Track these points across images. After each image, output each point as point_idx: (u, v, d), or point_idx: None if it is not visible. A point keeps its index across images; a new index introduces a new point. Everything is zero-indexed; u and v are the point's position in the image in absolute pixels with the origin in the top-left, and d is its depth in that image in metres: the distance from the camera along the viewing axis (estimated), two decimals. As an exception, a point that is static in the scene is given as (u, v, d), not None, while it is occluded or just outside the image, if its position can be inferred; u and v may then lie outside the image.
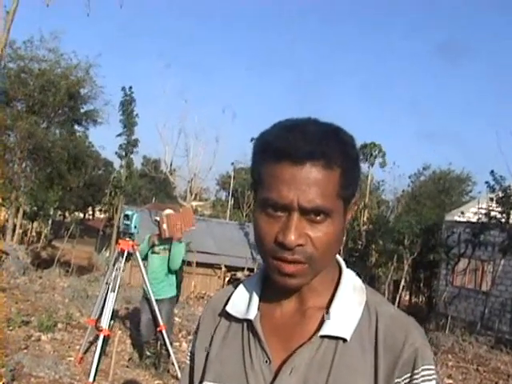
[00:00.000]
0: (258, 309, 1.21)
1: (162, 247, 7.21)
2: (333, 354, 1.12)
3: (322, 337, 1.13)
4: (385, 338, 1.13)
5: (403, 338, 1.13)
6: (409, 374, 1.11)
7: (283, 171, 1.06)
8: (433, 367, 1.13)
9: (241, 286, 1.28)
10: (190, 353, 1.34)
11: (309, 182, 1.05)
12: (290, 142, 1.06)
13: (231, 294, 1.28)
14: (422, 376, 1.11)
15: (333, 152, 1.06)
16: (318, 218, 1.07)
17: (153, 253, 7.21)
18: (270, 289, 1.22)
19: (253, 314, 1.19)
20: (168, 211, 7.45)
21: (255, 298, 1.23)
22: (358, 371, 1.11)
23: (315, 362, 1.12)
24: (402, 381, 1.11)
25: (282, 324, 1.19)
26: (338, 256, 1.22)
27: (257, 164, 1.13)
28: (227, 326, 1.25)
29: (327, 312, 1.16)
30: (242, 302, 1.24)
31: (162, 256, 7.19)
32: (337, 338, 1.13)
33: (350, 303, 1.17)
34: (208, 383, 1.21)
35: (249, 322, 1.20)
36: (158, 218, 7.24)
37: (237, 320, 1.23)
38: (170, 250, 7.11)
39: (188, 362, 1.35)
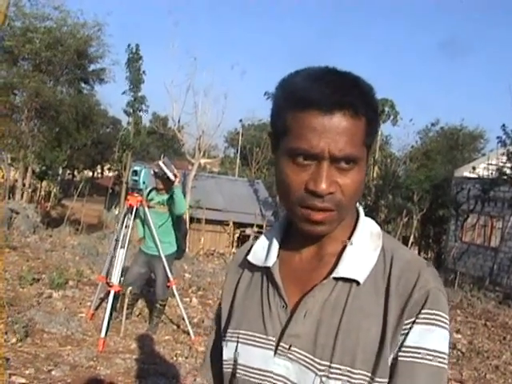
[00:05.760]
0: (278, 256, 1.23)
1: (159, 200, 6.96)
2: (346, 296, 1.14)
3: (336, 279, 1.15)
4: (398, 281, 1.13)
5: (415, 279, 1.12)
6: (413, 319, 1.09)
7: (313, 120, 1.07)
8: (443, 314, 1.11)
9: (262, 236, 1.33)
10: (219, 305, 1.39)
11: (339, 131, 1.06)
12: (318, 92, 1.06)
13: (253, 245, 1.32)
14: (427, 318, 1.09)
15: (359, 101, 1.08)
16: (347, 165, 1.09)
17: (148, 207, 6.82)
18: (291, 237, 1.25)
19: (271, 262, 1.23)
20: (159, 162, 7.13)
21: (275, 246, 1.26)
22: (370, 314, 1.12)
23: (329, 304, 1.14)
24: (409, 322, 1.10)
25: (299, 270, 1.22)
26: (357, 204, 1.24)
27: (281, 113, 1.13)
28: (250, 276, 1.30)
29: (341, 255, 1.17)
30: (262, 251, 1.28)
31: (161, 212, 6.94)
32: (351, 281, 1.15)
33: (365, 248, 1.19)
34: (231, 330, 1.26)
35: (267, 269, 1.22)
36: (161, 166, 6.81)
37: (258, 269, 1.27)
38: (168, 203, 6.88)
39: (218, 313, 1.40)
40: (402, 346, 1.10)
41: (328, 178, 1.07)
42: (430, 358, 1.08)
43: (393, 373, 1.10)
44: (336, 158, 1.07)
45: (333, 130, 1.06)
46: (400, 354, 1.09)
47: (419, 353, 1.08)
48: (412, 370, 1.08)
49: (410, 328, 1.09)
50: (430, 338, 1.09)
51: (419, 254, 23.84)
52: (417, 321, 1.09)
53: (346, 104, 1.06)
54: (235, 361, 1.22)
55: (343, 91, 1.06)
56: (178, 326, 7.37)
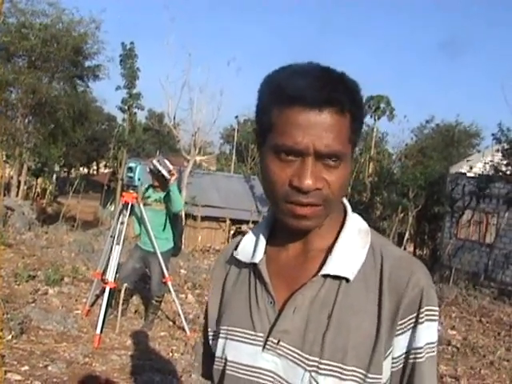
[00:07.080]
0: (265, 253, 1.23)
1: (155, 197, 6.93)
2: (335, 293, 1.15)
3: (324, 276, 1.15)
4: (389, 277, 1.15)
5: (407, 277, 1.14)
6: (414, 315, 1.13)
7: (298, 117, 1.06)
8: (436, 308, 1.15)
9: (249, 233, 1.32)
10: (206, 304, 1.39)
11: (325, 127, 1.06)
12: (304, 88, 1.06)
13: (240, 242, 1.32)
14: (426, 315, 1.13)
15: (345, 98, 1.08)
16: (333, 162, 1.09)
17: (145, 205, 6.81)
18: (278, 233, 1.24)
19: (258, 258, 1.22)
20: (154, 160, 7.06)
21: (262, 242, 1.25)
22: (361, 311, 1.13)
23: (318, 300, 1.14)
24: (407, 321, 1.12)
25: (286, 265, 1.22)
26: (344, 199, 1.24)
27: (266, 109, 1.12)
28: (237, 272, 1.30)
29: (330, 252, 1.17)
30: (249, 247, 1.27)
31: (158, 209, 6.90)
32: (340, 278, 1.15)
33: (353, 245, 1.19)
34: (221, 328, 1.26)
35: (255, 265, 1.22)
36: (155, 164, 6.65)
37: (245, 265, 1.27)
38: (164, 201, 6.83)
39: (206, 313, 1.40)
40: (411, 347, 1.13)
41: (313, 174, 1.07)
42: (432, 350, 1.16)
43: (407, 374, 1.14)
44: (321, 154, 1.07)
45: (318, 126, 1.06)
46: (415, 355, 1.13)
47: (427, 349, 1.14)
48: (426, 366, 1.14)
49: (414, 328, 1.13)
50: (430, 332, 1.14)
51: (414, 250, 23.92)
52: (419, 321, 1.13)
53: (332, 100, 1.06)
54: (225, 358, 1.22)
55: (329, 87, 1.06)
56: (174, 322, 7.38)
